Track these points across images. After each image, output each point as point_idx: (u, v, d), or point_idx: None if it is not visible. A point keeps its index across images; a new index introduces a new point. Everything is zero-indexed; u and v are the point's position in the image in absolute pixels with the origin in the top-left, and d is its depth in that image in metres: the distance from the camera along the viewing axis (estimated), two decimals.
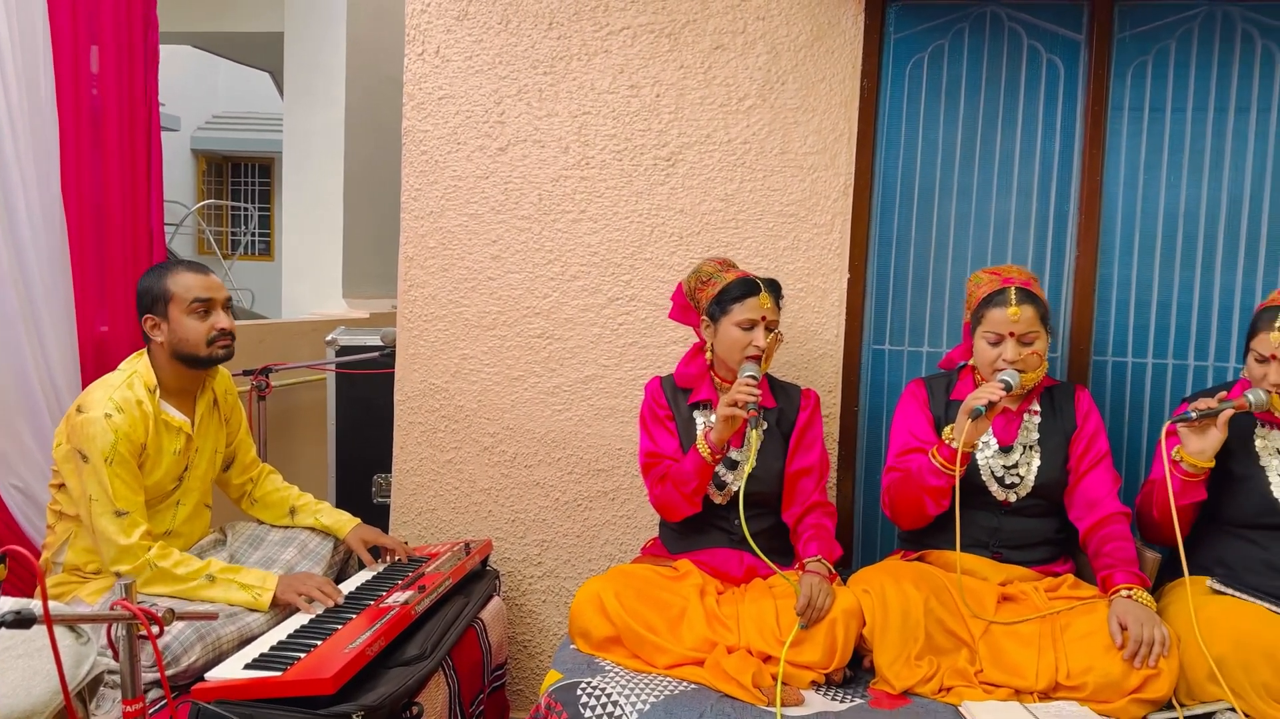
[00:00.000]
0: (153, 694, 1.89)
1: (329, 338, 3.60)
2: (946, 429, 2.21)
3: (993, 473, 2.29)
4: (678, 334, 2.78)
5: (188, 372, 2.38)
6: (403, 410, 2.96)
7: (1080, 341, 2.60)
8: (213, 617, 1.91)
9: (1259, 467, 2.19)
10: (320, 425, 3.75)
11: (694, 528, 2.39)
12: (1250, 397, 2.10)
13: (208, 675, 1.91)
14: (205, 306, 2.35)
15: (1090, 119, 2.58)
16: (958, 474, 2.13)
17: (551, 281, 2.85)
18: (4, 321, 2.64)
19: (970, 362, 2.35)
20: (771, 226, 2.73)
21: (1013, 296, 2.21)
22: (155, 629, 1.39)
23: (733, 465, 2.34)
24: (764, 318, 2.30)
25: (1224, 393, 2.18)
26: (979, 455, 2.29)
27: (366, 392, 3.50)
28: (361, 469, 3.58)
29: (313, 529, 2.59)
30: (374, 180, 5.15)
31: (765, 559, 2.12)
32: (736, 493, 2.23)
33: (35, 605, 1.24)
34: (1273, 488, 2.17)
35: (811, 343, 2.73)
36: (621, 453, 2.85)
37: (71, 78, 2.81)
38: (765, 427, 2.36)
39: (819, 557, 2.22)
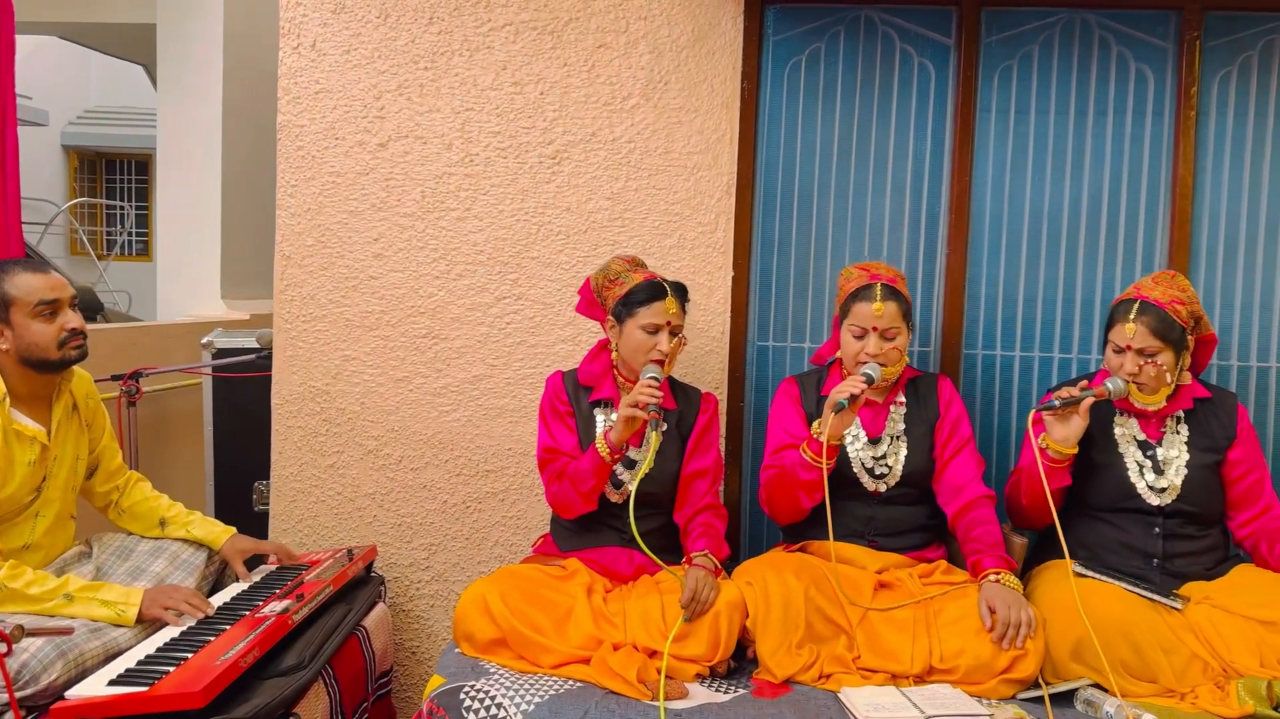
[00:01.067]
0: (6, 717, 1.78)
1: (204, 340, 3.47)
2: (814, 424, 2.26)
3: (863, 464, 2.36)
4: (566, 333, 2.78)
5: (39, 377, 2.25)
6: (281, 414, 2.87)
7: (951, 336, 2.69)
8: (68, 631, 1.81)
9: (1118, 454, 2.31)
10: (197, 432, 3.61)
11: (586, 526, 2.39)
12: (1109, 385, 2.21)
13: (68, 694, 1.81)
14: (51, 308, 2.22)
15: (960, 121, 2.67)
16: (825, 466, 2.18)
17: (437, 280, 2.81)
18: None
19: (838, 355, 2.41)
20: (657, 225, 2.75)
21: (878, 292, 2.28)
22: (3, 648, 1.32)
23: (631, 465, 2.35)
24: (669, 322, 2.31)
25: (1085, 382, 2.28)
26: (849, 448, 2.35)
27: (245, 396, 3.39)
28: (241, 477, 3.46)
29: (186, 540, 2.49)
30: (254, 177, 4.98)
31: (653, 557, 2.13)
32: (631, 492, 2.23)
33: None
34: (1130, 473, 2.29)
35: (698, 340, 2.76)
36: (511, 453, 2.82)
37: None
38: (665, 428, 2.37)
39: (706, 551, 2.24)
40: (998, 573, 2.14)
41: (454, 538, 2.86)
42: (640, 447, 2.35)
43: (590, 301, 2.47)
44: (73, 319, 2.25)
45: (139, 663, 1.93)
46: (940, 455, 2.37)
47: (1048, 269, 2.71)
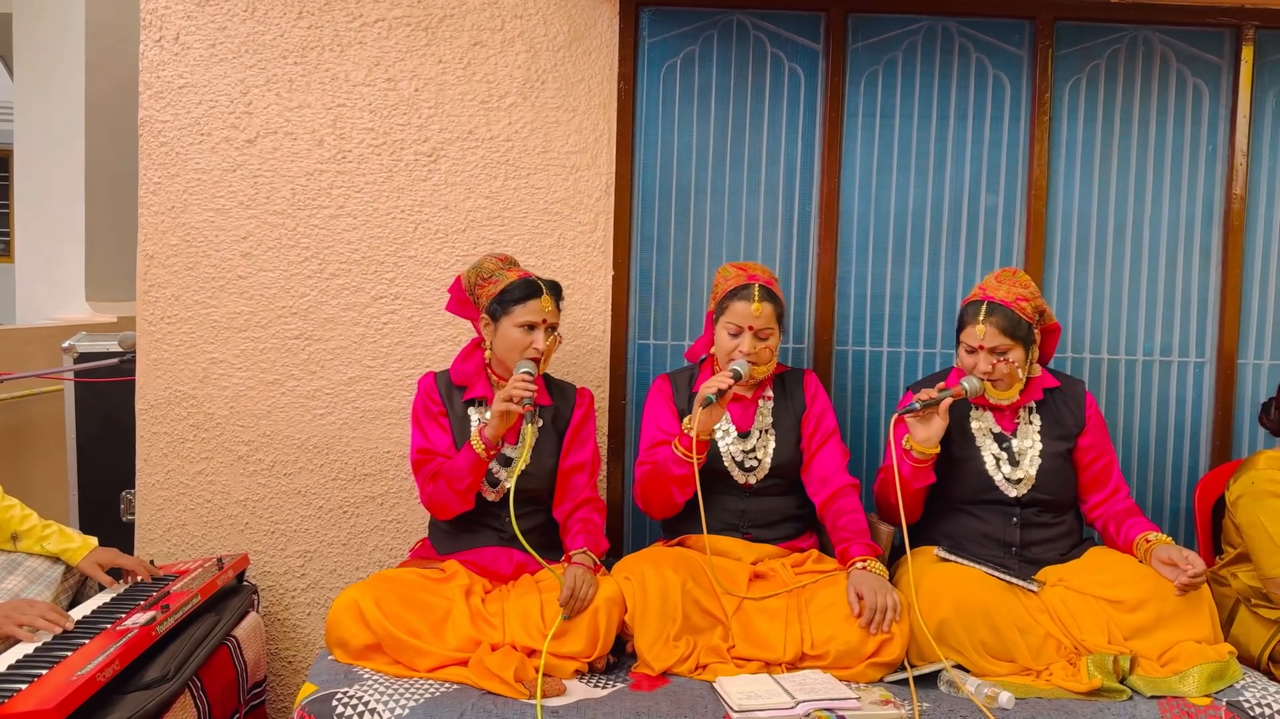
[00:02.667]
0: None
1: (66, 344, 3.32)
2: (686, 419, 2.30)
3: (733, 458, 2.41)
4: (445, 333, 2.75)
5: None
6: (145, 420, 2.76)
7: (823, 332, 2.77)
8: None
9: (975, 447, 2.41)
10: (58, 440, 3.44)
11: (464, 527, 2.37)
12: (966, 384, 2.31)
13: None
14: None
15: (828, 124, 2.76)
16: (695, 460, 2.22)
17: (309, 280, 2.74)
18: None
19: (712, 351, 2.46)
20: (537, 224, 2.75)
21: (756, 293, 2.33)
22: None
23: (507, 462, 2.34)
24: (545, 320, 2.31)
25: (942, 382, 2.38)
26: (720, 442, 2.40)
27: (110, 402, 3.25)
28: (107, 486, 3.31)
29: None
30: (120, 175, 4.77)
31: (534, 554, 2.13)
32: (509, 490, 2.23)
33: None
34: (988, 466, 2.39)
35: (580, 339, 2.77)
36: (390, 455, 2.78)
37: None
38: (541, 423, 2.37)
39: (585, 548, 2.25)
40: (865, 560, 2.22)
41: (331, 544, 2.80)
42: (516, 443, 2.35)
43: (462, 300, 2.46)
44: None
45: None
46: (807, 447, 2.44)
47: (913, 267, 2.81)
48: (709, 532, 2.24)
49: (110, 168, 4.72)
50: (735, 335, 2.35)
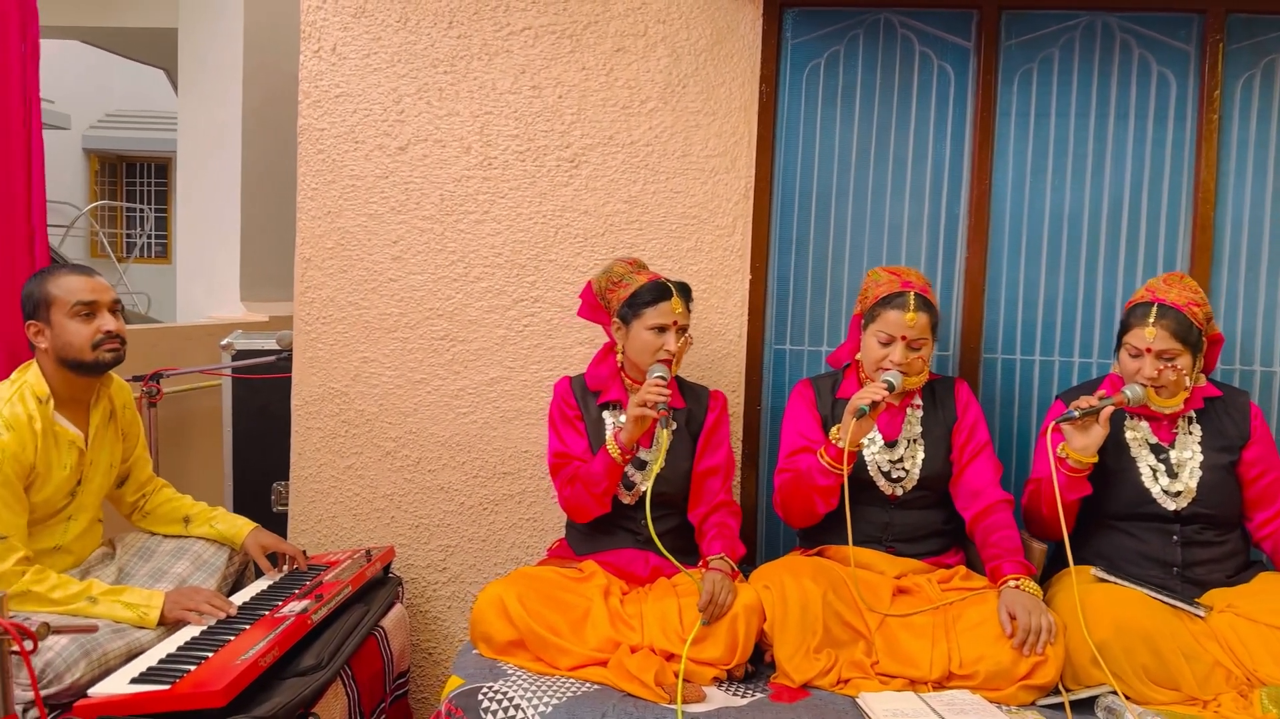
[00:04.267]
0: (31, 714, 1.80)
1: (224, 342, 3.50)
2: (833, 429, 2.26)
3: (879, 468, 2.35)
4: (583, 335, 2.78)
5: (78, 379, 2.27)
6: (300, 415, 2.89)
7: (970, 339, 2.68)
8: (92, 629, 1.83)
9: (1130, 458, 2.29)
10: (216, 433, 3.63)
11: (601, 529, 2.39)
12: (1128, 393, 2.19)
13: (91, 691, 1.82)
14: (89, 309, 2.24)
15: (979, 124, 2.66)
16: (845, 472, 2.17)
17: (455, 283, 2.82)
18: None
19: (858, 358, 2.40)
20: (675, 229, 2.75)
21: (912, 301, 2.26)
22: (29, 645, 1.33)
23: (642, 466, 2.35)
24: (675, 322, 2.32)
25: (1101, 389, 2.26)
26: (865, 452, 2.35)
27: (264, 398, 3.41)
28: (260, 478, 3.48)
29: (207, 539, 2.50)
30: (273, 181, 5.01)
31: (670, 557, 2.13)
32: (644, 493, 2.24)
33: None
34: (1144, 478, 2.27)
35: (715, 343, 2.76)
36: (528, 455, 2.83)
37: None
38: (675, 427, 2.37)
39: (722, 554, 2.24)
40: (1017, 578, 2.13)
41: (471, 540, 2.87)
42: (650, 447, 2.35)
43: (593, 305, 2.48)
44: (110, 322, 2.26)
45: (160, 661, 1.95)
46: (957, 459, 2.36)
47: (1067, 273, 2.69)
48: (853, 543, 2.19)
49: (264, 174, 4.97)
50: (886, 344, 2.29)
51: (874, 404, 2.14)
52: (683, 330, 2.34)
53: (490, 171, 2.78)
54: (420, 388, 2.85)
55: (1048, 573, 2.39)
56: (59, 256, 3.84)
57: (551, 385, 2.77)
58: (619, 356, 2.42)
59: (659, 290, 2.33)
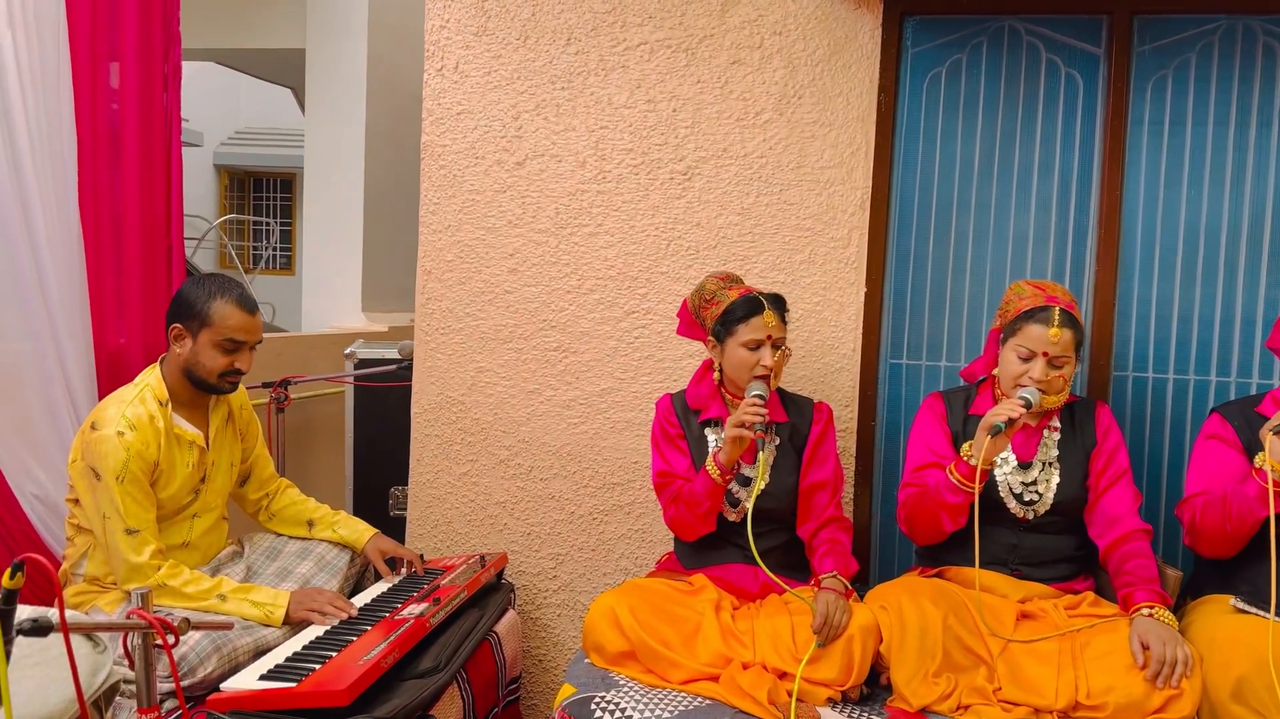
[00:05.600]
0: (168, 704, 1.89)
1: (347, 351, 3.62)
2: (965, 445, 2.19)
3: (1011, 489, 2.27)
4: (694, 348, 2.78)
5: (194, 388, 2.39)
6: (419, 423, 2.97)
7: (1100, 357, 2.58)
8: (228, 626, 1.91)
9: None
10: (338, 438, 3.76)
11: (709, 544, 2.37)
12: None
13: (223, 686, 1.91)
14: (235, 346, 2.34)
15: (1110, 133, 2.56)
16: (976, 491, 2.11)
17: (568, 295, 2.85)
18: (28, 333, 2.67)
19: (994, 372, 2.33)
20: (788, 240, 2.73)
21: (1056, 317, 2.18)
22: (171, 639, 1.40)
23: (746, 482, 2.33)
24: (770, 336, 2.28)
25: (1256, 406, 2.14)
26: (997, 472, 2.27)
27: (384, 404, 3.52)
28: (379, 482, 3.59)
29: (330, 541, 2.59)
30: (393, 195, 5.18)
31: (777, 580, 2.10)
32: (749, 511, 2.22)
33: (52, 614, 1.25)
34: None
35: (828, 357, 2.72)
36: (637, 466, 2.84)
37: (90, 94, 2.84)
38: (776, 443, 2.35)
39: (835, 573, 2.20)
40: (1151, 607, 2.03)
41: (580, 549, 2.89)
42: (753, 464, 2.32)
43: (689, 323, 2.46)
44: (243, 361, 2.36)
45: (287, 659, 2.02)
46: (1094, 485, 2.26)
47: (1204, 287, 2.56)
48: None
49: (385, 189, 5.14)
50: (1026, 360, 2.20)
51: (1010, 421, 2.07)
52: (779, 344, 2.30)
53: (604, 185, 2.81)
54: (533, 398, 2.89)
55: (1179, 602, 2.28)
56: (194, 269, 4.04)
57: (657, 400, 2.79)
58: (716, 374, 2.40)
59: (751, 305, 2.30)
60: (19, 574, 1.16)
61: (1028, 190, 2.64)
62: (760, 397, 2.20)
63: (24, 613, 1.25)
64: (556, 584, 2.92)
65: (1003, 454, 2.27)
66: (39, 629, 1.23)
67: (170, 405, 2.32)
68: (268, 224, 12.03)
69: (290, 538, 2.59)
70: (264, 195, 12.48)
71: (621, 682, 2.05)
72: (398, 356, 3.41)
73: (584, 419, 2.87)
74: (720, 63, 2.72)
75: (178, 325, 2.33)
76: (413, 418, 2.97)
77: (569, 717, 1.95)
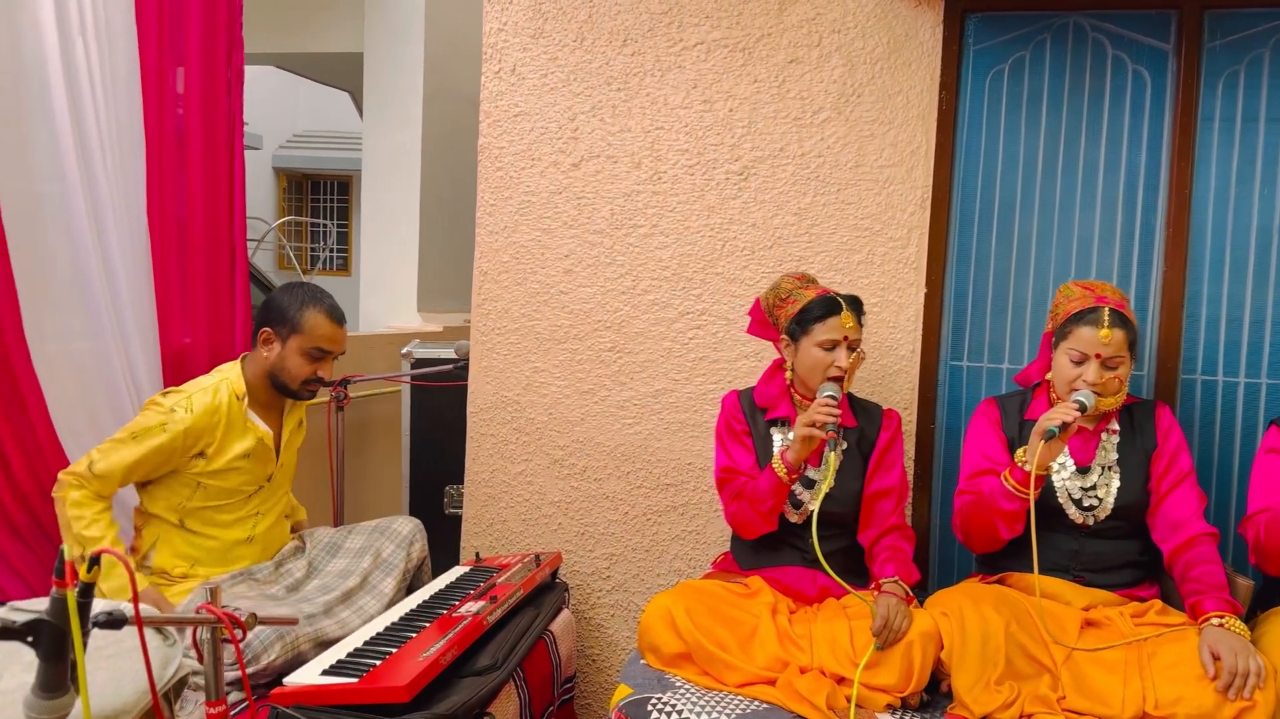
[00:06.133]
0: (233, 696, 1.93)
1: (404, 350, 3.66)
2: (1019, 451, 2.15)
3: (1069, 495, 2.22)
4: (749, 349, 2.77)
5: (275, 391, 2.44)
6: (475, 422, 2.99)
7: (1168, 359, 2.51)
8: (293, 621, 1.94)
9: None
10: (395, 437, 3.81)
11: (768, 545, 2.36)
12: None
13: (286, 680, 1.94)
14: (320, 355, 2.41)
15: (1179, 130, 2.50)
16: (1032, 498, 2.07)
17: (623, 295, 2.86)
18: (96, 333, 2.74)
19: (1048, 377, 2.29)
20: (845, 240, 2.70)
21: (1106, 317, 2.13)
22: (238, 633, 1.42)
23: (810, 484, 2.31)
24: (846, 338, 2.26)
25: None
26: (1054, 477, 2.23)
27: (440, 404, 3.55)
28: (434, 480, 3.62)
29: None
30: (448, 197, 5.23)
31: (839, 580, 2.08)
32: (812, 513, 2.20)
33: (126, 607, 1.28)
34: None
35: (886, 359, 2.69)
36: (691, 468, 2.83)
37: (156, 98, 2.91)
38: (844, 447, 2.32)
39: (896, 578, 2.17)
40: (1221, 616, 1.98)
41: (634, 549, 2.89)
42: (819, 465, 2.30)
43: (762, 322, 2.45)
44: (326, 370, 2.44)
45: (349, 654, 2.05)
46: (1156, 488, 2.21)
47: (1277, 288, 2.49)
48: (1037, 571, 2.08)
49: (440, 191, 5.19)
50: (1079, 363, 2.17)
51: (1064, 426, 2.03)
52: (854, 346, 2.29)
53: (659, 186, 2.81)
54: (588, 398, 2.90)
55: (1251, 611, 2.21)
56: (256, 271, 4.11)
57: (716, 398, 2.78)
58: (788, 374, 2.38)
59: (828, 305, 2.28)
60: (95, 568, 1.19)
61: (1092, 189, 2.58)
62: (833, 397, 2.19)
63: (98, 606, 1.28)
64: (610, 584, 2.92)
65: (1060, 459, 2.23)
66: (114, 622, 1.26)
67: (245, 400, 2.38)
68: (325, 226, 12.23)
69: (350, 531, 2.63)
70: (321, 197, 12.69)
71: (678, 684, 2.04)
72: (454, 356, 3.44)
73: (638, 420, 2.87)
74: (778, 61, 2.70)
75: (268, 330, 2.39)
76: (469, 417, 3.00)
77: (626, 717, 1.95)
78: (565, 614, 2.63)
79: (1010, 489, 2.11)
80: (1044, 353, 2.32)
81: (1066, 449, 2.23)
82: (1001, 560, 2.27)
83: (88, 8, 2.64)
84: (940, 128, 2.62)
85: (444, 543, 3.17)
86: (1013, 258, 2.63)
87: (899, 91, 2.64)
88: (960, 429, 2.66)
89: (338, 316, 2.45)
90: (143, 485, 2.38)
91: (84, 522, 2.23)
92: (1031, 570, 2.09)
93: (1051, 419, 2.04)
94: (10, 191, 2.50)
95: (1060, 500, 2.22)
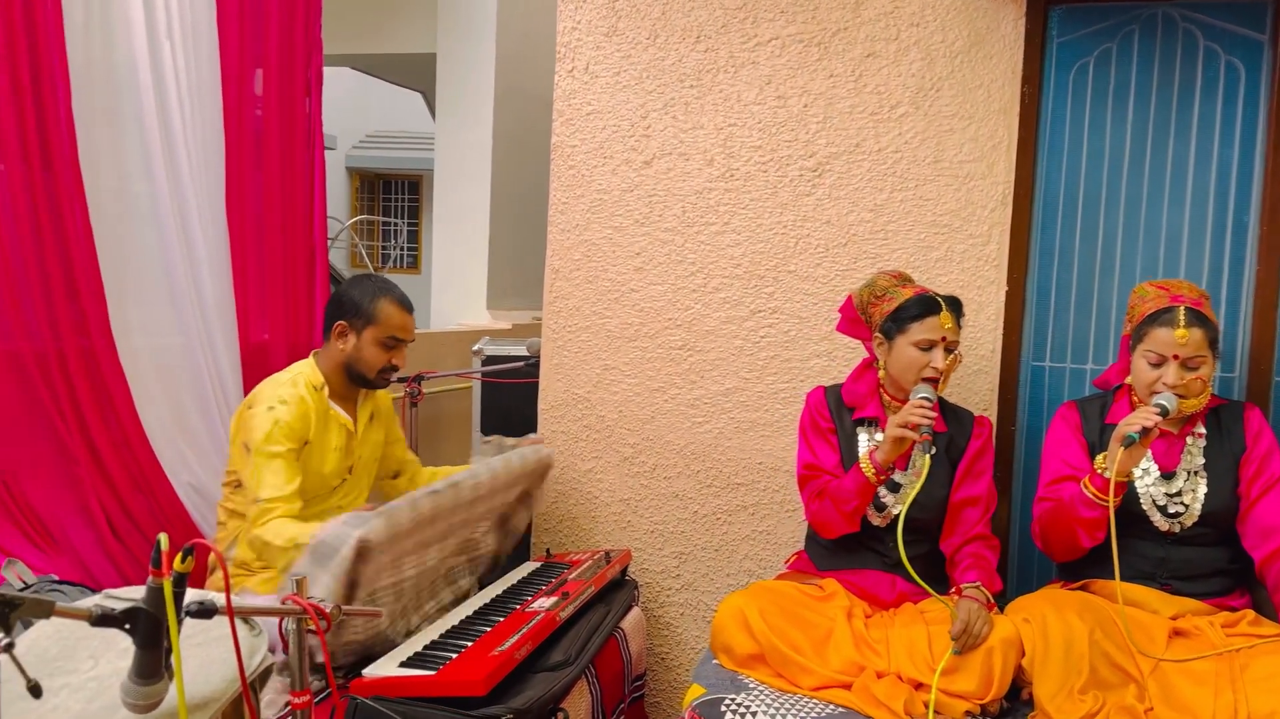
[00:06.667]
0: (315, 684, 1.96)
1: (475, 347, 3.70)
2: (1099, 457, 2.09)
3: (1154, 501, 2.15)
4: (821, 347, 2.74)
5: (350, 382, 2.49)
6: (546, 419, 3.01)
7: (1261, 361, 2.42)
8: (377, 614, 1.97)
9: None
10: (465, 432, 3.85)
11: (846, 547, 2.33)
12: None
13: (365, 672, 1.97)
14: (394, 343, 2.46)
15: (1274, 123, 2.40)
16: (1112, 505, 2.00)
17: (694, 293, 2.85)
18: (181, 328, 2.82)
19: (1127, 380, 2.22)
20: (923, 238, 2.65)
21: (1181, 317, 2.06)
22: (323, 624, 1.45)
23: (895, 487, 2.27)
24: (944, 338, 2.21)
25: None
26: (1138, 483, 2.16)
27: (510, 400, 3.58)
28: None
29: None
30: (517, 196, 5.27)
31: (924, 585, 2.04)
32: (896, 516, 2.16)
33: (217, 597, 1.31)
34: None
35: (966, 358, 2.62)
36: (762, 467, 2.81)
37: (237, 100, 2.98)
38: (935, 451, 2.28)
39: (978, 583, 2.13)
40: None
41: (704, 548, 2.88)
42: (906, 469, 2.26)
43: (854, 319, 2.41)
44: (399, 358, 2.49)
45: (425, 647, 2.08)
46: (1246, 494, 2.13)
47: None
48: (1121, 579, 2.02)
49: (510, 190, 5.23)
50: (1157, 365, 2.09)
51: (1145, 431, 1.96)
52: (951, 348, 2.23)
53: (732, 183, 2.79)
54: (658, 396, 2.89)
55: None
56: (333, 269, 4.19)
57: (787, 397, 2.75)
58: (880, 373, 2.34)
59: (927, 304, 2.23)
60: (189, 558, 1.22)
61: (1182, 184, 2.50)
62: (928, 399, 2.15)
63: (190, 596, 1.31)
64: (679, 583, 2.91)
65: (1144, 464, 2.15)
66: (205, 611, 1.29)
67: (326, 390, 2.44)
68: (395, 224, 12.43)
69: None
70: (392, 196, 12.90)
71: (751, 685, 2.03)
72: (525, 353, 3.46)
73: (708, 418, 2.85)
74: (854, 56, 2.66)
75: (342, 323, 2.44)
76: (539, 414, 3.02)
77: (699, 717, 1.94)
78: (635, 612, 2.63)
79: (1090, 496, 2.05)
80: (1123, 356, 2.25)
81: (1149, 454, 2.16)
82: (1084, 567, 2.21)
83: (174, 10, 2.71)
84: (1022, 122, 2.56)
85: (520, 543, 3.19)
86: (1098, 255, 2.56)
87: (979, 85, 2.58)
88: (1042, 431, 2.59)
89: (407, 305, 2.52)
90: (234, 484, 2.43)
91: (291, 532, 2.26)
92: (1114, 577, 2.03)
93: (1131, 424, 1.98)
94: (100, 191, 2.59)
95: (1144, 507, 2.15)
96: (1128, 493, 2.13)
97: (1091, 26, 2.54)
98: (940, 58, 2.60)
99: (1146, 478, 2.16)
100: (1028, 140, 2.55)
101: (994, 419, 2.61)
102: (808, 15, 2.69)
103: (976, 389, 2.62)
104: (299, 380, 2.41)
